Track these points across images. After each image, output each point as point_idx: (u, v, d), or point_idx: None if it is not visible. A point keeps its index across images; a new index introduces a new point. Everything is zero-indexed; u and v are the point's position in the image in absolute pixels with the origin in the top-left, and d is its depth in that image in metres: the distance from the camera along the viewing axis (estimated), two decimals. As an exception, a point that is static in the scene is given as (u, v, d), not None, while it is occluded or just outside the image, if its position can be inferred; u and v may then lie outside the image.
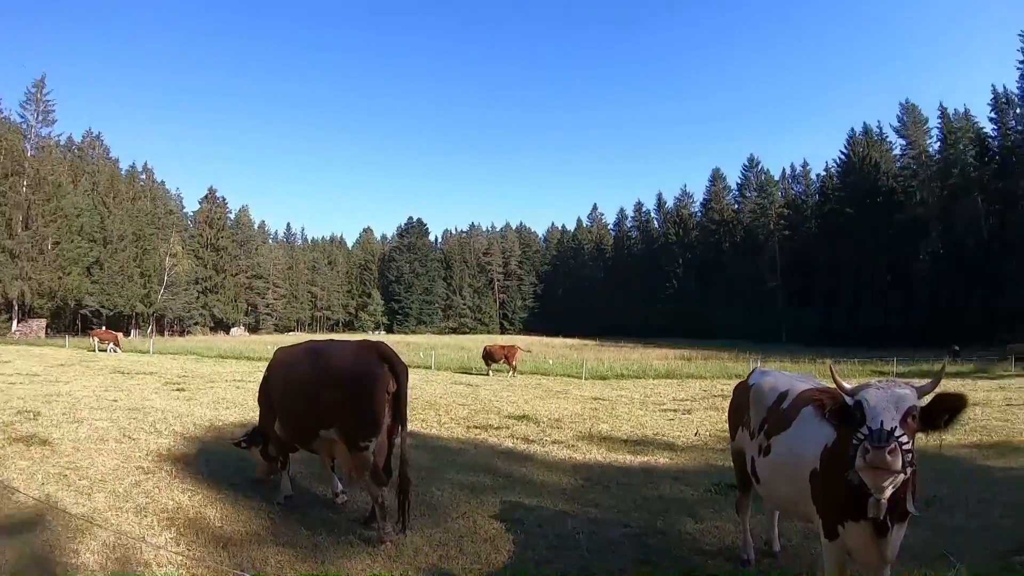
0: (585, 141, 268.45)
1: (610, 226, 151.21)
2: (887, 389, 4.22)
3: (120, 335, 51.86)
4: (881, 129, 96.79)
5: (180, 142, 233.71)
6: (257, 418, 9.43)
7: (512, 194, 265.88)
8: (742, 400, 6.77)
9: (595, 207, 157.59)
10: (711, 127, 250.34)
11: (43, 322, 76.83)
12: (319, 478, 9.72)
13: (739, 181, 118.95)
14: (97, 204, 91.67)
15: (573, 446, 13.68)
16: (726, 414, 7.88)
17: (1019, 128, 77.67)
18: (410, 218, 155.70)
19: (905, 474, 4.01)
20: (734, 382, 7.30)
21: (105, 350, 45.25)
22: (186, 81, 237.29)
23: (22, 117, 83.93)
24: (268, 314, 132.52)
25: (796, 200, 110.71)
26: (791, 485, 5.33)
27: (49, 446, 11.51)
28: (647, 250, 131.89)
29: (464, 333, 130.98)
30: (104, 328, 62.84)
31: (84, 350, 46.77)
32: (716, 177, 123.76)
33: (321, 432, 7.71)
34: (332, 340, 8.48)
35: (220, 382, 24.65)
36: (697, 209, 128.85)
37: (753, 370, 7.29)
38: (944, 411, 4.32)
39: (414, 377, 28.20)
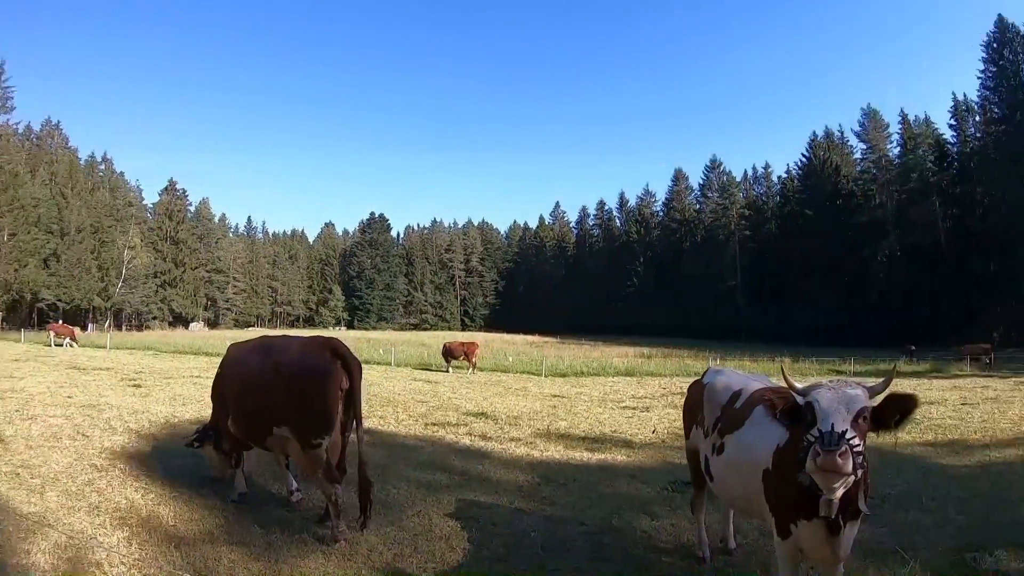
0: (549, 139, 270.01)
1: (572, 224, 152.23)
2: (838, 390, 4.21)
3: (77, 330, 51.35)
4: (842, 133, 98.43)
5: (140, 132, 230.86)
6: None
7: (475, 191, 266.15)
8: (696, 399, 6.76)
9: (557, 205, 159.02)
10: (674, 128, 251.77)
11: (-2, 316, 75.67)
12: (274, 476, 9.66)
13: (701, 181, 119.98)
14: (55, 195, 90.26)
15: (531, 443, 13.71)
16: None
17: (978, 135, 79.17)
18: (372, 213, 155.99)
19: (856, 476, 3.98)
20: (693, 380, 7.35)
21: (61, 345, 44.41)
22: (147, 70, 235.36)
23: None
24: (228, 309, 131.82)
25: (757, 201, 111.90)
26: (744, 484, 5.35)
27: (1, 443, 11.35)
28: (609, 248, 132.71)
29: (425, 330, 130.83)
30: (61, 322, 61.78)
31: (40, 345, 46.12)
32: (678, 177, 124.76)
33: (274, 429, 7.62)
34: (285, 336, 8.38)
35: (177, 378, 24.43)
36: (659, 208, 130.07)
37: (707, 369, 7.27)
38: (895, 411, 4.30)
39: (374, 374, 28.23)
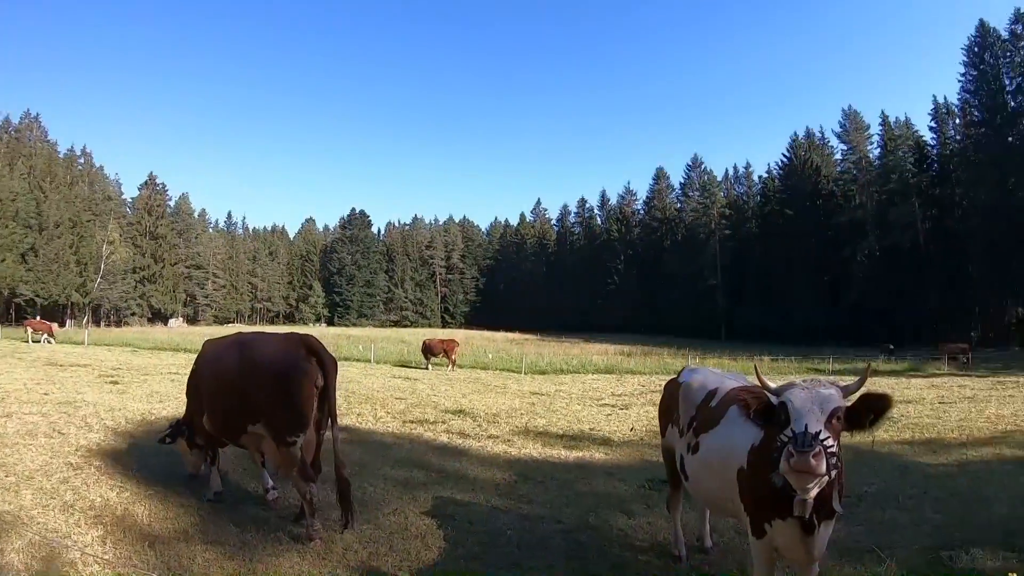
0: (530, 137, 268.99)
1: (553, 222, 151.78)
2: (811, 389, 4.20)
3: (55, 326, 50.84)
4: (823, 134, 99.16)
5: (120, 126, 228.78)
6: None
7: (456, 187, 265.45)
8: (672, 397, 6.75)
9: (539, 202, 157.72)
10: (656, 127, 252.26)
11: (-26, 312, 75.00)
12: (250, 474, 9.61)
13: (682, 180, 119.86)
14: (33, 188, 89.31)
15: (509, 441, 13.75)
16: None
17: (957, 138, 79.88)
18: (353, 209, 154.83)
19: (830, 476, 3.98)
20: (670, 378, 7.38)
21: (39, 341, 44.11)
22: (128, 63, 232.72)
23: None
24: (207, 305, 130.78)
25: (738, 201, 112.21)
26: (719, 483, 5.34)
27: (-25, 441, 11.22)
28: (589, 246, 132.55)
29: (405, 326, 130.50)
30: (38, 318, 61.19)
31: (17, 341, 45.67)
32: (659, 176, 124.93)
33: (249, 427, 7.58)
34: (260, 333, 8.32)
35: (155, 375, 24.33)
36: (640, 207, 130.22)
37: (683, 368, 7.26)
38: (870, 411, 4.29)
39: (353, 371, 28.20)
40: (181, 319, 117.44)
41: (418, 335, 59.63)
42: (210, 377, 8.10)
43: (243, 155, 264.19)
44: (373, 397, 19.95)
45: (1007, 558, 6.52)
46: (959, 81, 75.99)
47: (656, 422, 8.81)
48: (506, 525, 7.88)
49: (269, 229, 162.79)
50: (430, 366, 34.64)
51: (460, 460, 11.62)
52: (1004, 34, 69.56)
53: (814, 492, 4.03)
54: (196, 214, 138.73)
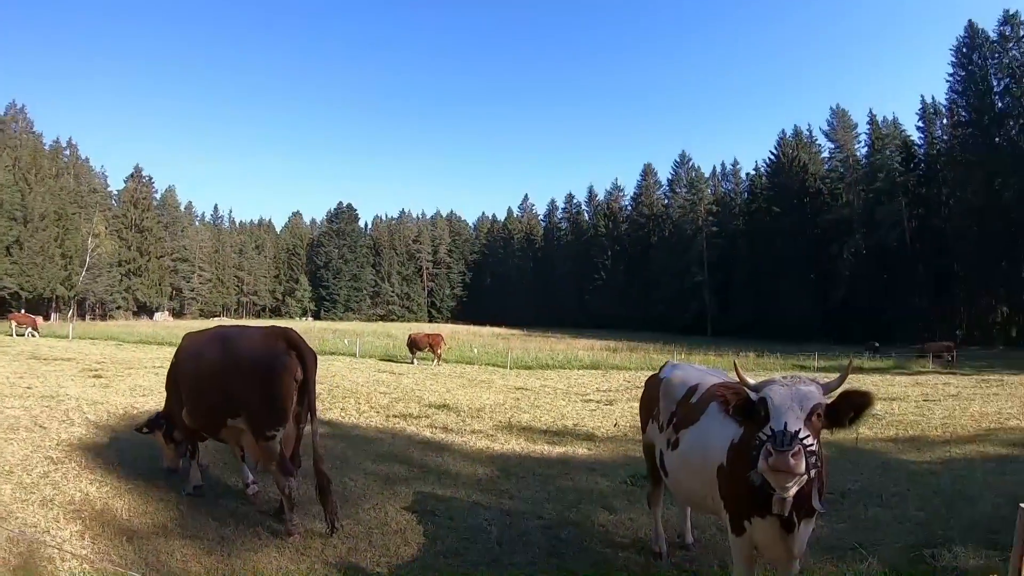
0: (518, 131, 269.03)
1: (540, 217, 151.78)
2: (791, 386, 4.16)
3: (39, 319, 50.53)
4: (811, 132, 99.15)
5: (106, 118, 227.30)
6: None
7: (443, 182, 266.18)
8: (653, 393, 6.71)
9: (526, 197, 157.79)
10: (645, 122, 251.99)
11: (-43, 304, 74.47)
12: (231, 468, 9.59)
13: (670, 177, 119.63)
14: (18, 180, 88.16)
15: (492, 436, 13.73)
16: None
17: (944, 137, 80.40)
18: (340, 203, 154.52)
19: (809, 475, 3.91)
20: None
21: (23, 335, 43.88)
22: (114, 55, 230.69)
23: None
24: (193, 298, 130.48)
25: (725, 197, 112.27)
26: (699, 480, 5.31)
27: (-44, 436, 11.13)
28: (577, 242, 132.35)
29: (392, 321, 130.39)
30: (22, 311, 60.92)
31: (1, 335, 45.50)
32: (647, 172, 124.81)
33: (228, 421, 7.55)
34: (241, 326, 8.29)
35: (139, 368, 24.24)
36: (627, 203, 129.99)
37: (665, 363, 7.23)
38: (850, 409, 4.29)
39: (338, 365, 28.12)
40: (167, 313, 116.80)
41: (404, 330, 59.69)
42: (190, 370, 8.05)
43: (230, 148, 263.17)
44: (357, 391, 19.89)
45: (990, 556, 6.51)
46: (947, 81, 76.61)
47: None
48: (487, 521, 7.87)
49: (256, 223, 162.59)
50: (416, 360, 34.57)
51: (442, 455, 11.60)
52: (992, 35, 69.99)
53: (793, 491, 3.98)
54: (182, 207, 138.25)
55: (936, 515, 8.19)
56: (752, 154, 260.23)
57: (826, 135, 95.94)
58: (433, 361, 34.32)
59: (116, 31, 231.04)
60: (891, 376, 32.62)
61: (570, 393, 22.58)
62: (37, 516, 7.35)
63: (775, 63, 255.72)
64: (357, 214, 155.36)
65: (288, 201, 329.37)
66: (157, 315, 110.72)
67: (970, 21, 72.46)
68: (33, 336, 43.98)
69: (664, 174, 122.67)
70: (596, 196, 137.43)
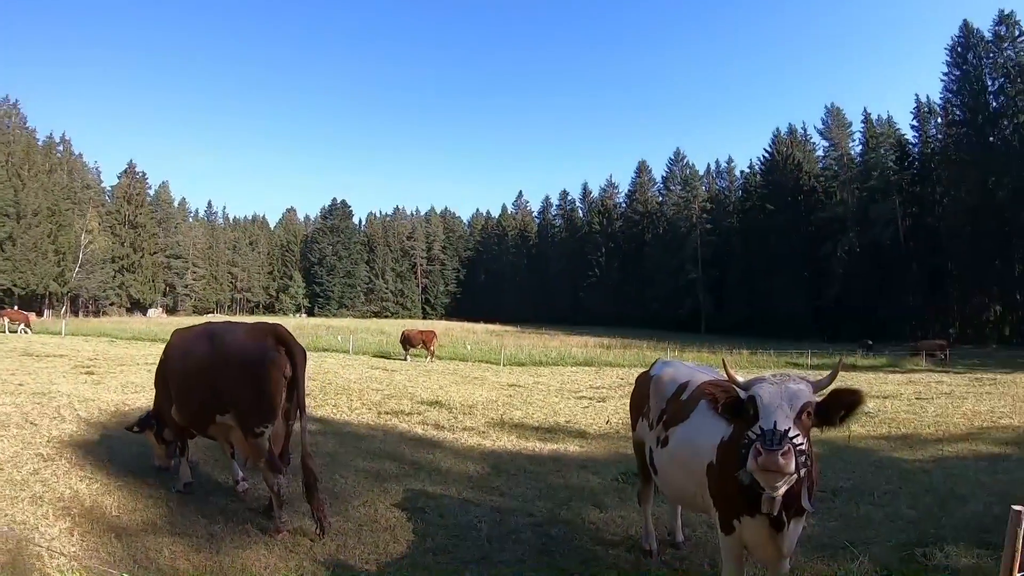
0: (513, 128, 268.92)
1: (535, 214, 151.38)
2: (781, 384, 4.13)
3: (32, 316, 50.52)
4: (805, 130, 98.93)
5: (100, 114, 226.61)
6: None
7: (437, 179, 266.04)
8: (643, 390, 6.69)
9: (520, 194, 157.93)
10: (639, 119, 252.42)
11: (-50, 301, 74.21)
12: (221, 465, 9.58)
13: (664, 174, 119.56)
14: (11, 176, 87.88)
15: (484, 433, 13.74)
16: None
17: (939, 137, 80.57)
18: (334, 199, 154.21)
19: (799, 474, 3.89)
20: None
21: (16, 331, 43.79)
22: (108, 50, 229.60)
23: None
24: (187, 295, 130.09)
25: (719, 195, 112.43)
26: (688, 478, 5.28)
27: (-53, 433, 11.09)
28: (571, 239, 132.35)
29: (386, 317, 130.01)
30: (15, 308, 60.77)
31: (-7, 331, 45.47)
32: (642, 169, 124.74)
33: (217, 417, 7.52)
34: (230, 322, 8.24)
35: (131, 365, 24.20)
36: (622, 200, 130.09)
37: (656, 361, 7.18)
38: (840, 407, 4.26)
39: (331, 361, 28.09)
40: (160, 309, 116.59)
41: (398, 326, 59.42)
42: (179, 367, 8.03)
43: (224, 144, 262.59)
44: (349, 388, 19.88)
45: (981, 555, 6.53)
46: (942, 81, 76.66)
47: (632, 415, 8.76)
48: (477, 518, 7.86)
49: (250, 219, 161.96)
50: (409, 357, 34.52)
51: (434, 452, 11.60)
52: (987, 35, 70.20)
53: (783, 490, 3.94)
54: (176, 203, 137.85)
55: (928, 514, 8.20)
56: (746, 152, 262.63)
57: (820, 133, 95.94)
58: (426, 358, 34.29)
59: (110, 26, 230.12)
60: (884, 374, 32.71)
61: (563, 390, 22.58)
62: (26, 513, 7.32)
63: (770, 61, 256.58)
64: (351, 210, 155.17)
65: (282, 197, 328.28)
66: (151, 312, 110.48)
67: (965, 21, 72.70)
68: (26, 333, 43.88)
69: (659, 171, 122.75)
70: (591, 193, 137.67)
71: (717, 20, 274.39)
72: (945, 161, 76.12)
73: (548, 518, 7.98)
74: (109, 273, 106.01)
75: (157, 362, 8.74)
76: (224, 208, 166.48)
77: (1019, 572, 3.52)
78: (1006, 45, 68.40)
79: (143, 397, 15.72)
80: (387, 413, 15.73)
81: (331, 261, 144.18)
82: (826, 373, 4.49)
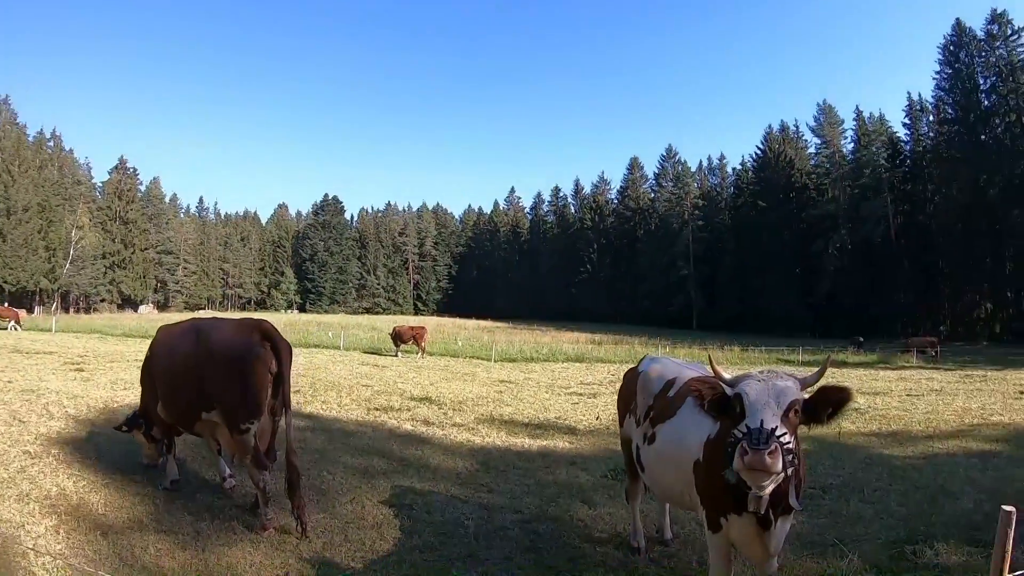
0: (505, 124, 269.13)
1: (527, 210, 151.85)
2: (768, 381, 4.09)
3: (23, 313, 50.32)
4: (798, 127, 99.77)
5: (91, 109, 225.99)
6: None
7: (430, 175, 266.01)
8: (631, 387, 6.65)
9: (512, 190, 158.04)
10: (631, 116, 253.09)
11: (-61, 297, 73.87)
12: (209, 462, 9.53)
13: (656, 170, 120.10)
14: (1, 172, 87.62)
15: (473, 429, 13.75)
16: None
17: (930, 135, 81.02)
18: (326, 195, 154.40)
19: (786, 473, 3.85)
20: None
21: (5, 328, 43.56)
22: (99, 46, 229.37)
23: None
24: (178, 291, 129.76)
25: (711, 192, 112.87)
26: (675, 475, 5.25)
27: (-66, 430, 11.02)
28: (563, 235, 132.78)
29: (378, 313, 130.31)
30: (6, 305, 60.51)
31: (-17, 328, 45.27)
32: (634, 165, 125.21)
33: (203, 414, 7.46)
34: (215, 318, 8.19)
35: (121, 362, 24.08)
36: (614, 196, 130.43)
37: (644, 357, 7.13)
38: (828, 404, 4.21)
39: (321, 358, 28.05)
40: (151, 305, 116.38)
41: (390, 322, 59.43)
42: (164, 364, 7.96)
43: (216, 140, 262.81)
44: (339, 384, 19.85)
45: (971, 553, 6.52)
46: (934, 79, 77.43)
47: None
48: (464, 515, 7.82)
49: (241, 215, 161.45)
50: (400, 353, 34.60)
51: (422, 448, 11.59)
52: (980, 34, 70.71)
53: (770, 489, 3.90)
54: (167, 199, 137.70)
55: (918, 511, 8.18)
56: (739, 149, 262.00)
57: (812, 131, 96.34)
58: (417, 354, 34.33)
59: (101, 21, 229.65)
60: (875, 371, 32.87)
61: (554, 386, 22.64)
62: (13, 511, 7.25)
63: (763, 58, 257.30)
64: (343, 206, 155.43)
65: (274, 193, 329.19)
66: (142, 308, 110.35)
67: (958, 20, 73.18)
68: (16, 330, 43.64)
69: (651, 168, 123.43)
70: (583, 189, 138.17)
71: (710, 17, 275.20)
72: (937, 159, 76.62)
73: (536, 515, 7.96)
74: (100, 269, 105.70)
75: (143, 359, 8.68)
76: (216, 204, 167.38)
77: (1009, 573, 3.48)
78: (998, 44, 68.77)
79: (132, 394, 15.63)
80: (377, 409, 15.71)
81: (323, 257, 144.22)
82: (806, 370, 4.44)
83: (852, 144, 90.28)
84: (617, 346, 43.89)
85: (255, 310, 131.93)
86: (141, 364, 8.75)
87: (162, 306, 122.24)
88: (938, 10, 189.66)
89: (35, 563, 5.94)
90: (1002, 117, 68.11)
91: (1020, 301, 67.43)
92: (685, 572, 6.46)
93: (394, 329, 36.28)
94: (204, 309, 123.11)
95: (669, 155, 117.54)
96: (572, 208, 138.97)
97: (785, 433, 3.82)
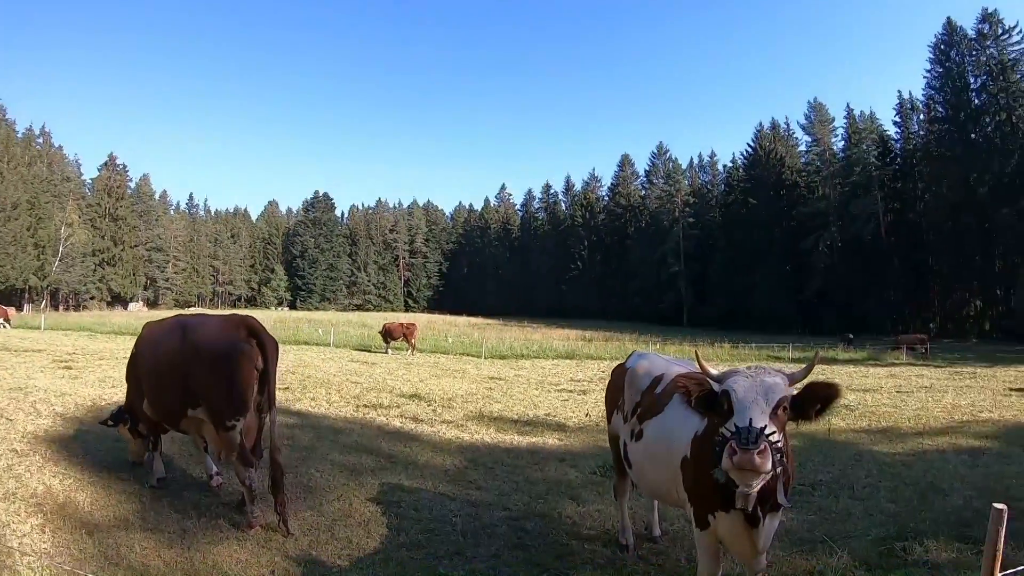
0: (496, 121, 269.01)
1: (518, 207, 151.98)
2: (755, 377, 4.04)
3: (11, 310, 50.06)
4: (788, 125, 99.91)
5: (80, 106, 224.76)
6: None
7: (420, 172, 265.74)
8: (618, 383, 6.64)
9: (503, 187, 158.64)
10: (622, 112, 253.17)
11: (-73, 295, 73.50)
12: (196, 459, 9.47)
13: (647, 168, 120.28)
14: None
15: (462, 426, 13.75)
16: None
17: (921, 133, 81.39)
18: (316, 192, 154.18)
19: (775, 471, 3.82)
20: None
21: (-6, 326, 43.56)
22: (87, 42, 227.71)
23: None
24: (168, 288, 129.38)
25: (702, 189, 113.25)
26: (663, 472, 5.22)
27: (-79, 430, 10.94)
28: (554, 232, 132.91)
29: (368, 310, 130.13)
30: (-6, 302, 60.42)
31: (-29, 327, 45.07)
32: (624, 162, 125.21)
33: (189, 411, 7.41)
34: (201, 314, 8.16)
35: (110, 359, 24.00)
36: (605, 193, 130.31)
37: (632, 353, 7.13)
38: (816, 401, 4.15)
39: (311, 355, 27.99)
40: (141, 303, 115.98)
41: (380, 319, 59.42)
42: (150, 361, 7.89)
43: (206, 136, 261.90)
44: (329, 381, 19.80)
45: (961, 550, 6.51)
46: (924, 78, 77.76)
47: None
48: (452, 512, 7.81)
49: (231, 211, 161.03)
50: (390, 350, 34.63)
51: (411, 445, 11.57)
52: (971, 33, 71.11)
53: (758, 487, 3.86)
54: (157, 196, 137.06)
55: (908, 507, 8.19)
56: (729, 146, 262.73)
57: (803, 128, 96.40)
58: (407, 351, 34.33)
59: (89, 17, 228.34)
60: (865, 368, 33.00)
61: (543, 383, 22.67)
62: (-2, 510, 7.18)
63: (754, 56, 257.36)
64: (333, 203, 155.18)
65: (264, 190, 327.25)
66: (131, 305, 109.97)
67: (948, 19, 73.60)
68: (4, 327, 43.44)
69: (642, 165, 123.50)
70: (573, 186, 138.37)
71: (701, 15, 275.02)
72: (927, 157, 76.97)
73: (524, 512, 7.95)
74: (89, 267, 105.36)
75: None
76: (205, 201, 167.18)
77: (1000, 571, 3.46)
78: (989, 43, 69.19)
79: (120, 392, 15.44)
80: (366, 406, 15.69)
81: (313, 254, 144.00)
82: (794, 367, 4.42)
83: (843, 142, 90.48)
84: (607, 343, 44.00)
85: (245, 307, 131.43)
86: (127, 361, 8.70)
87: (152, 303, 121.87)
88: (929, 9, 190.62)
89: (20, 562, 5.88)
90: (992, 116, 68.52)
91: (1009, 298, 67.56)
92: (673, 569, 6.42)
93: (384, 326, 36.28)
94: (194, 306, 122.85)
95: (660, 152, 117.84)
96: (563, 205, 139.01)
97: (774, 432, 3.78)
